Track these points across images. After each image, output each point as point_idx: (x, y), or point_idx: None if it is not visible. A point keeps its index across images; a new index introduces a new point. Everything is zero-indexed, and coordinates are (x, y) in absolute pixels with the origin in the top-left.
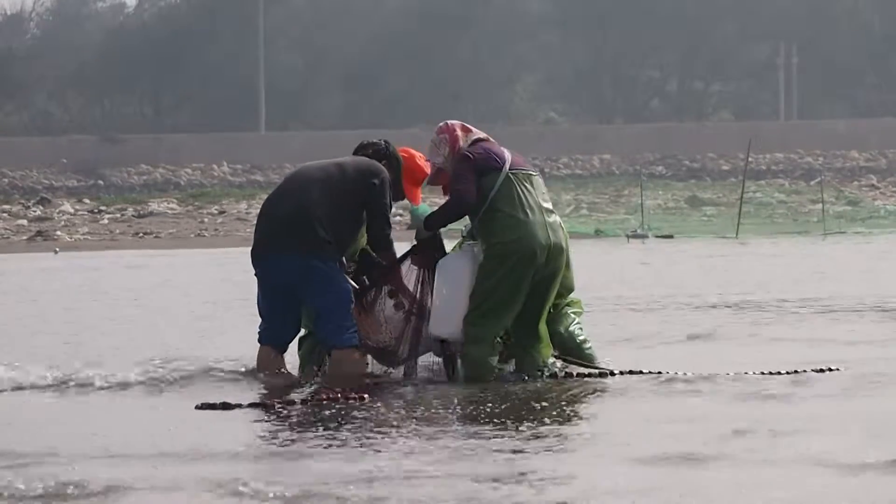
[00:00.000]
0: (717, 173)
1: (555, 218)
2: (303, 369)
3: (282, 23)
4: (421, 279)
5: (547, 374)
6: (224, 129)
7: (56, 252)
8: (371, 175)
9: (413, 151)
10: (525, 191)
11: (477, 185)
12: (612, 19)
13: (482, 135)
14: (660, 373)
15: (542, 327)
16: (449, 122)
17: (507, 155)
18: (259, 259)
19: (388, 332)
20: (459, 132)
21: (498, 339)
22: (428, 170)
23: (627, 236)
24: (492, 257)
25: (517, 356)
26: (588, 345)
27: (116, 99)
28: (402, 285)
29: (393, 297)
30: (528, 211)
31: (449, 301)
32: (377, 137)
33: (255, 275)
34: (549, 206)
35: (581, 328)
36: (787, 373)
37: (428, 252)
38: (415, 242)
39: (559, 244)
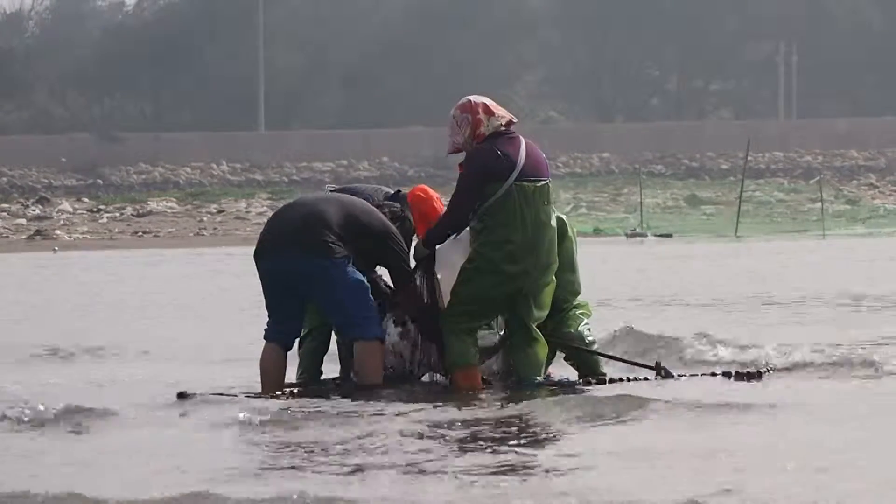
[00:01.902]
0: (717, 172)
1: (551, 233)
2: (301, 368)
3: (281, 22)
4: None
5: (543, 375)
6: (223, 128)
7: (55, 251)
8: (388, 236)
9: (431, 192)
10: (524, 205)
11: (480, 188)
12: (612, 18)
13: (505, 119)
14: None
15: (535, 329)
16: (473, 99)
17: (521, 159)
18: (261, 259)
19: (394, 359)
20: (482, 115)
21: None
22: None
23: (626, 235)
24: (473, 264)
25: (514, 358)
26: (595, 347)
27: (116, 98)
28: (409, 306)
29: (399, 325)
30: (520, 229)
31: (447, 283)
32: (395, 189)
33: (259, 274)
34: (549, 213)
35: (589, 329)
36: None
37: (428, 274)
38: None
39: (545, 263)
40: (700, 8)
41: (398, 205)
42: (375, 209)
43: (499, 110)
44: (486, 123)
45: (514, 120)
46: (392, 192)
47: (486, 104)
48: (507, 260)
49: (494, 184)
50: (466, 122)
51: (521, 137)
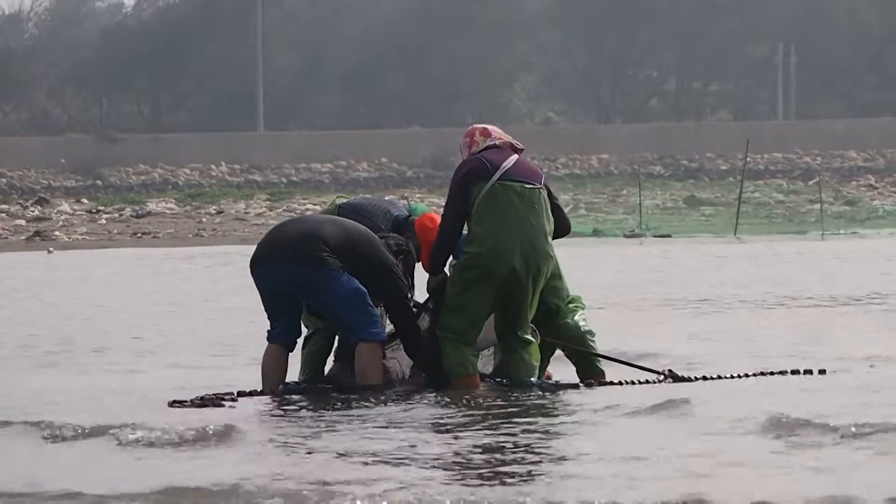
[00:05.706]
0: (716, 173)
1: (541, 238)
2: (304, 370)
3: (280, 22)
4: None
5: (535, 379)
6: (222, 128)
7: (50, 252)
8: (387, 271)
9: (439, 221)
10: (511, 204)
11: (466, 193)
12: (611, 19)
13: (500, 140)
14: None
15: (527, 333)
16: (475, 125)
17: (506, 164)
18: (256, 268)
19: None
20: (478, 136)
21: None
22: None
23: (625, 236)
24: (463, 265)
25: (506, 359)
26: (592, 337)
27: (115, 98)
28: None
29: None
30: (504, 225)
31: None
32: (400, 198)
33: (254, 283)
34: (540, 218)
35: (585, 320)
36: (771, 373)
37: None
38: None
39: (535, 263)
40: (699, 8)
41: (403, 238)
42: (377, 240)
43: (497, 133)
44: (480, 143)
45: (518, 145)
46: (403, 215)
47: (485, 128)
48: (492, 255)
49: (479, 184)
50: (465, 144)
51: (514, 152)
